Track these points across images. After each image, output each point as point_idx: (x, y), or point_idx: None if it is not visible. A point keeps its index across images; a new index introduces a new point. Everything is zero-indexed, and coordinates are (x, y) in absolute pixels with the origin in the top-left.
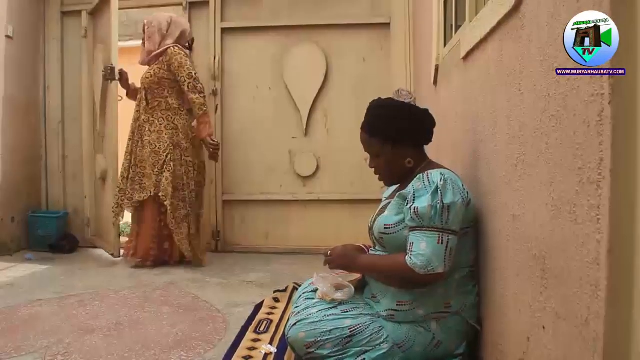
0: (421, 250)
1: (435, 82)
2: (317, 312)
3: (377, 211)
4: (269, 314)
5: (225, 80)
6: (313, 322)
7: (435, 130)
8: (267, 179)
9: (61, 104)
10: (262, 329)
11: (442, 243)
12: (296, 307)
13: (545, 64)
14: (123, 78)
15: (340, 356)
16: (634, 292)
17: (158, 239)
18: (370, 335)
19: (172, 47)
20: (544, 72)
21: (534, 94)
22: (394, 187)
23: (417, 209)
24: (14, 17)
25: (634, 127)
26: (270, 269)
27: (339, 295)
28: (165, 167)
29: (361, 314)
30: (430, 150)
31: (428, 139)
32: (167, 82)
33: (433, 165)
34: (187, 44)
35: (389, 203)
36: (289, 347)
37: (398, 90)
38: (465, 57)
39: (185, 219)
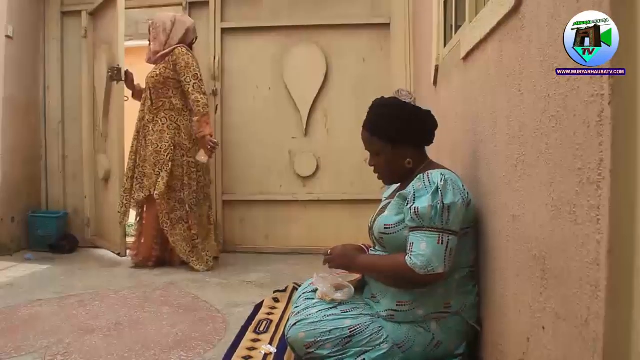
0: (421, 250)
1: (435, 83)
2: (317, 312)
3: (377, 211)
4: (268, 314)
5: (225, 80)
6: (313, 322)
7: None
8: (267, 179)
9: (61, 104)
10: (261, 329)
11: (442, 243)
12: (296, 307)
13: (545, 64)
14: (128, 79)
15: (340, 356)
16: (634, 292)
17: (160, 239)
18: (370, 336)
19: (180, 47)
20: (543, 73)
21: (534, 95)
22: (394, 187)
23: (418, 209)
24: (14, 17)
25: (634, 127)
26: (270, 269)
27: (338, 296)
28: (163, 167)
29: (361, 314)
30: (430, 150)
31: (429, 140)
32: (172, 82)
33: (433, 166)
34: (192, 42)
35: (389, 203)
36: (288, 347)
37: (398, 91)
38: (465, 58)
39: (182, 221)
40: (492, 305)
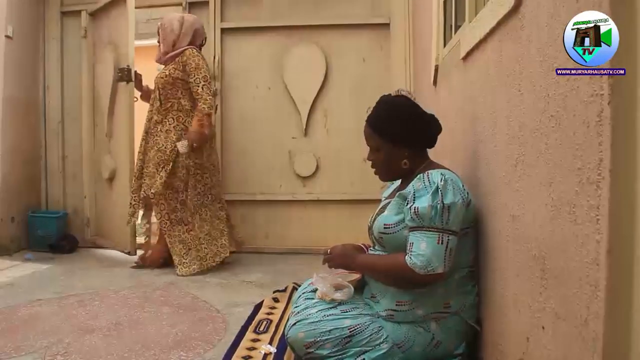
0: (421, 250)
1: (435, 83)
2: (316, 312)
3: (377, 211)
4: (268, 314)
5: (225, 80)
6: (312, 322)
7: None
8: (267, 179)
9: (61, 104)
10: (261, 329)
11: (442, 243)
12: (296, 307)
13: (544, 64)
14: (137, 79)
15: (340, 356)
16: (634, 292)
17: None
18: (370, 335)
19: (190, 49)
20: (543, 73)
21: (534, 94)
22: (394, 187)
23: (418, 209)
24: (13, 17)
25: (634, 127)
26: (270, 269)
27: (338, 296)
28: (164, 166)
29: (361, 314)
30: (430, 150)
31: (431, 144)
32: (180, 83)
33: (433, 166)
34: (202, 43)
35: (388, 203)
36: (288, 347)
37: (398, 91)
38: (465, 58)
39: (182, 222)
40: (492, 305)
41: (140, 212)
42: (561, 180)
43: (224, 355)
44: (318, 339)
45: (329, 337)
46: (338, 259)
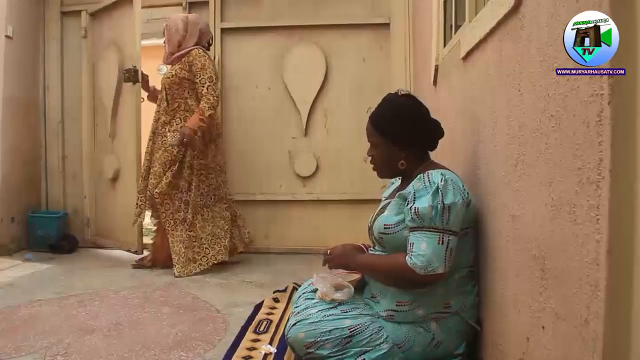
0: (421, 250)
1: (435, 82)
2: (316, 312)
3: (377, 211)
4: (268, 314)
5: (225, 80)
6: (313, 322)
7: None
8: (267, 179)
9: (61, 104)
10: (261, 329)
11: (442, 243)
12: (296, 307)
13: (544, 64)
14: (144, 80)
15: (340, 356)
16: (634, 292)
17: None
18: (370, 336)
19: (197, 49)
20: (543, 73)
21: (534, 94)
22: (394, 187)
23: (418, 209)
24: (13, 17)
25: (634, 127)
26: (270, 269)
27: (338, 296)
28: (171, 167)
29: (361, 314)
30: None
31: (431, 147)
32: (187, 83)
33: (434, 166)
34: (208, 43)
35: (388, 203)
36: (288, 347)
37: (397, 91)
38: (465, 58)
39: (184, 222)
40: (492, 305)
41: (148, 213)
42: (561, 180)
43: (224, 355)
44: (318, 339)
45: (329, 337)
46: (338, 259)
